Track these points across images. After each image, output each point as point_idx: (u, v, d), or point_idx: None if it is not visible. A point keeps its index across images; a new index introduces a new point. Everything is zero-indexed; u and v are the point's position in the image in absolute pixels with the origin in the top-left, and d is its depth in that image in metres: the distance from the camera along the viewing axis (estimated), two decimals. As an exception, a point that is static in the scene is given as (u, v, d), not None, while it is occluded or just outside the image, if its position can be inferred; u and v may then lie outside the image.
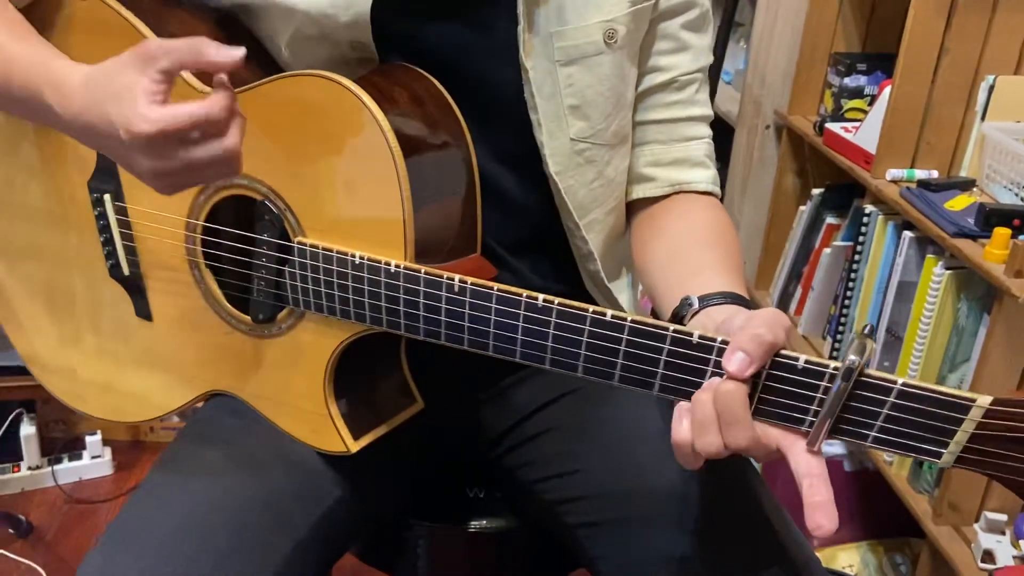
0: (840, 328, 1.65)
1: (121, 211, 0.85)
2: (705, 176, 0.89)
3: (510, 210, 0.85)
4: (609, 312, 0.64)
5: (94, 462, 1.99)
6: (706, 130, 0.91)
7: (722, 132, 2.11)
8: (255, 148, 0.76)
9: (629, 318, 0.63)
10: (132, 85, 0.63)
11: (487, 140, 0.81)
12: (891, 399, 0.57)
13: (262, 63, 0.83)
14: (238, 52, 0.63)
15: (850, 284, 1.61)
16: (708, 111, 0.91)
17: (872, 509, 1.67)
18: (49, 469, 1.94)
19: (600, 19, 0.81)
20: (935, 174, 1.47)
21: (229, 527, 0.74)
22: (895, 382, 0.57)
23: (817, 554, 0.79)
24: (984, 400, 0.55)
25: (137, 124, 0.62)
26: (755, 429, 0.60)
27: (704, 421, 0.60)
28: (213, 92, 0.64)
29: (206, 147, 0.64)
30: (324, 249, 0.74)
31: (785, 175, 1.91)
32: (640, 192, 0.90)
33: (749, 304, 0.70)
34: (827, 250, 1.73)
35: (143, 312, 0.88)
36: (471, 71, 0.80)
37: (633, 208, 0.92)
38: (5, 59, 0.72)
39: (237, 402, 0.86)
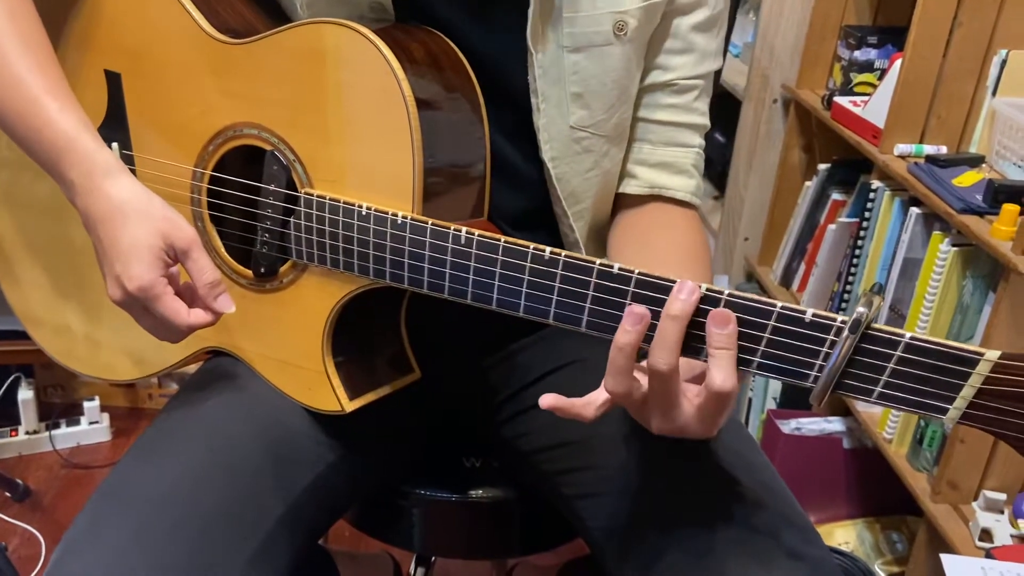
0: (843, 305, 1.64)
1: (128, 160, 0.84)
2: (686, 185, 0.89)
3: (511, 183, 0.85)
4: (616, 265, 0.63)
5: (92, 428, 1.99)
6: (698, 140, 0.90)
7: (729, 106, 2.11)
8: (267, 97, 0.76)
9: (636, 271, 0.63)
10: (148, 243, 0.71)
11: (491, 115, 0.80)
12: (898, 352, 0.57)
13: (279, 19, 0.82)
14: (230, 309, 0.74)
15: (854, 261, 1.60)
16: (704, 121, 0.90)
17: (870, 486, 1.67)
18: (47, 434, 1.94)
19: (611, 9, 0.79)
20: (944, 150, 1.46)
21: (219, 490, 0.74)
22: (903, 335, 0.57)
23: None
24: (992, 354, 0.55)
25: (126, 276, 0.71)
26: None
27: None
28: (200, 312, 0.73)
29: (162, 319, 0.73)
30: (331, 200, 0.73)
31: (791, 150, 1.90)
32: (622, 187, 0.90)
33: None
34: (832, 226, 1.72)
35: (142, 266, 0.88)
36: (480, 47, 0.79)
37: (616, 203, 0.92)
38: (42, 121, 0.73)
39: (232, 364, 0.85)
